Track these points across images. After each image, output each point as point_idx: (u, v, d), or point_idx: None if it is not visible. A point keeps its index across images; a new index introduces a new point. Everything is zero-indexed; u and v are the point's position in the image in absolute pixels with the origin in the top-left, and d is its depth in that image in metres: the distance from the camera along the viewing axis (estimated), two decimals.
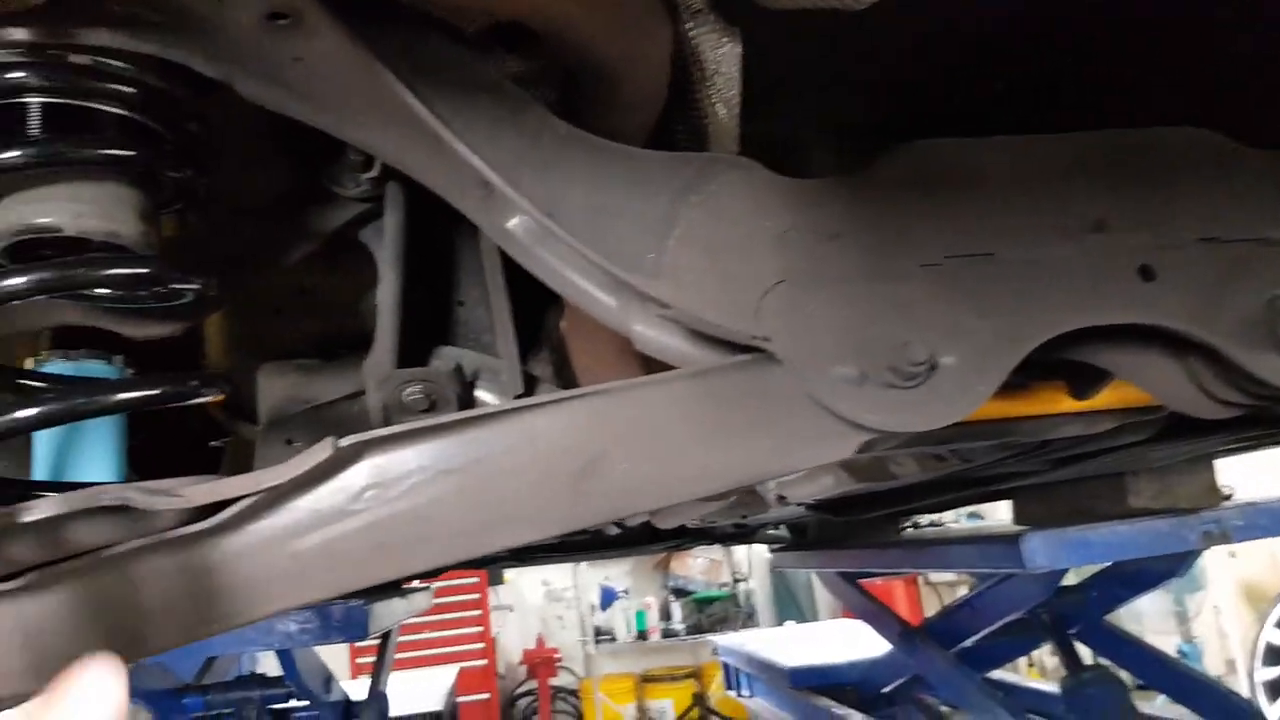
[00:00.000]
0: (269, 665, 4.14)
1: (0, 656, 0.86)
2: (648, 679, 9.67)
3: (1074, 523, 2.52)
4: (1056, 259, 0.93)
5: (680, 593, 9.96)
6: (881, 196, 0.92)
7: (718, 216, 0.90)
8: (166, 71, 0.87)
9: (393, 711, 4.21)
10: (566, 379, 1.35)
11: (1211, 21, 1.11)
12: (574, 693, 9.77)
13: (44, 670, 0.88)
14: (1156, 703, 4.52)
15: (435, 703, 4.73)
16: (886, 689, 4.36)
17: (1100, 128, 0.99)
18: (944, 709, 4.49)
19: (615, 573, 10.00)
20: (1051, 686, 4.04)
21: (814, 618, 9.43)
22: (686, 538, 4.30)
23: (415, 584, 3.93)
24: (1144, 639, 3.95)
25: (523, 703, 9.69)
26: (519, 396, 1.24)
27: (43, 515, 0.77)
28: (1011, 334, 0.91)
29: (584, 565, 9.51)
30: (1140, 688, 4.06)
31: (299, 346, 1.46)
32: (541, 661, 9.54)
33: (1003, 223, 0.94)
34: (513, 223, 1.02)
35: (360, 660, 7.97)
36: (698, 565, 9.93)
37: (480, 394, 1.27)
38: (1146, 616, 7.27)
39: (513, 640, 9.86)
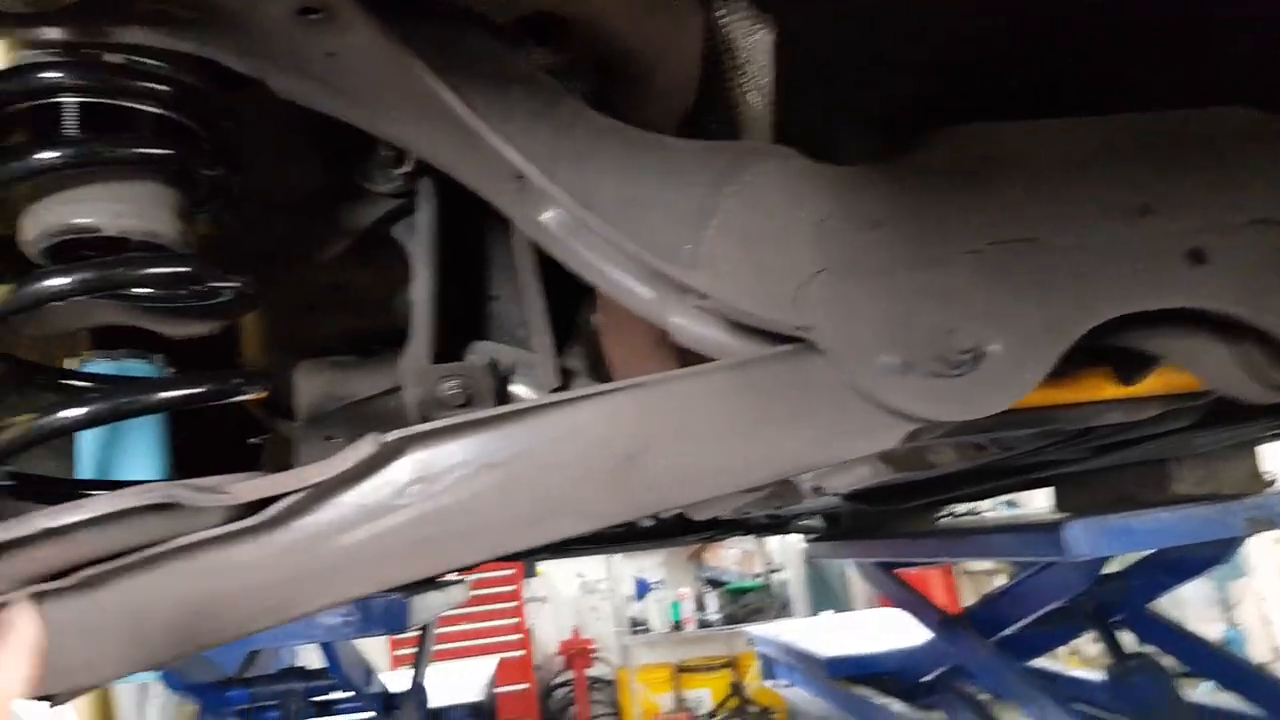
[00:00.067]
0: (309, 658, 4.19)
1: (57, 653, 0.87)
2: (684, 669, 9.68)
3: (1116, 510, 2.48)
4: (1103, 243, 0.91)
5: (714, 584, 9.94)
6: (923, 183, 0.91)
7: (755, 206, 0.89)
8: (200, 68, 0.88)
9: (432, 702, 4.24)
10: (600, 372, 1.35)
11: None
12: (610, 683, 9.80)
13: (99, 666, 0.90)
14: (1200, 690, 4.46)
15: (474, 694, 4.76)
16: (926, 678, 4.32)
17: (1146, 109, 0.97)
18: (983, 698, 4.46)
19: (649, 564, 10.01)
20: (1094, 675, 3.99)
21: (849, 607, 9.38)
22: (720, 529, 4.29)
23: (452, 577, 3.96)
24: (1186, 626, 3.89)
25: (559, 693, 9.72)
26: (554, 390, 1.23)
27: (93, 514, 0.78)
28: (1059, 320, 0.89)
29: (618, 557, 9.52)
30: (1184, 675, 4.00)
31: (334, 343, 1.47)
32: (577, 652, 9.57)
33: (1048, 207, 0.92)
34: (547, 216, 1.01)
35: (399, 653, 8.04)
36: (731, 556, 9.91)
37: (515, 388, 1.26)
38: (1189, 603, 7.16)
39: (548, 632, 9.90)
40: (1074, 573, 2.98)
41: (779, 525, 4.31)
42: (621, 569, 9.88)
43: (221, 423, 1.76)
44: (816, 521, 4.37)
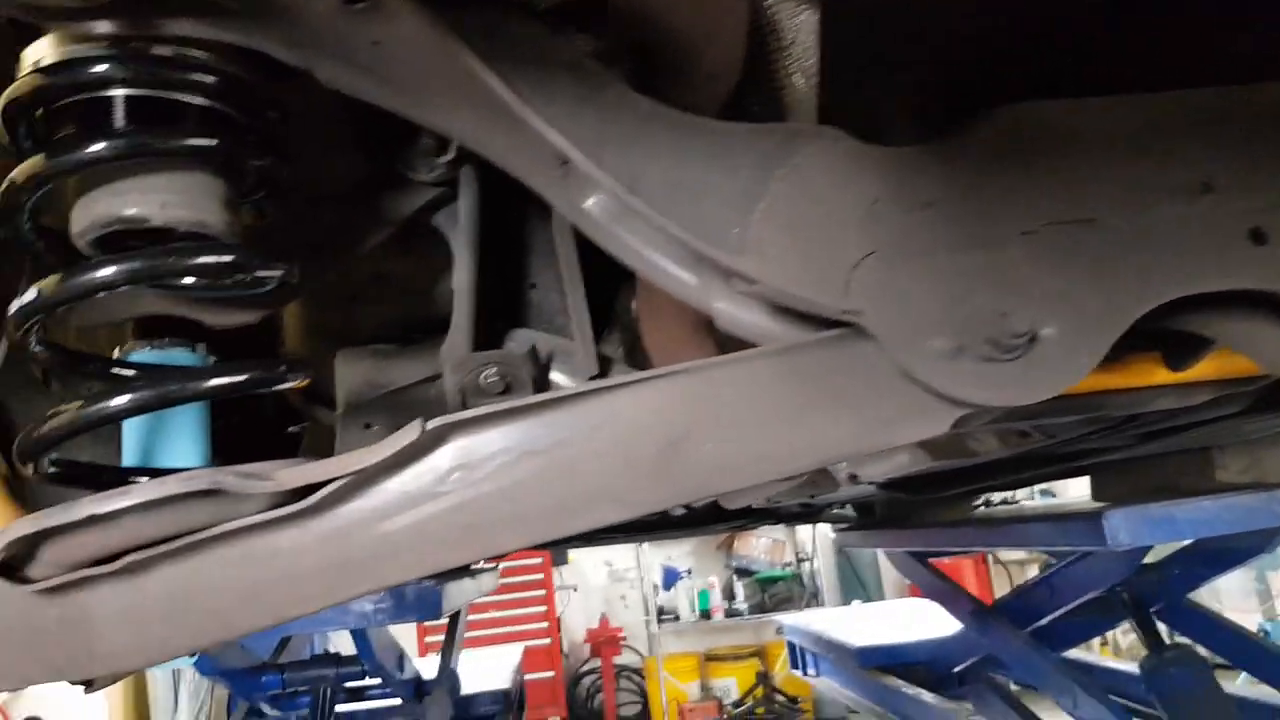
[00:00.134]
0: (340, 644, 4.23)
1: (100, 638, 0.88)
2: (711, 658, 9.70)
3: (1157, 499, 2.44)
4: (1162, 223, 0.89)
5: (743, 573, 9.94)
6: (975, 163, 0.89)
7: (803, 189, 0.88)
8: (246, 60, 0.87)
9: (462, 689, 4.27)
10: (637, 360, 1.34)
11: None
12: (638, 671, 9.84)
13: (141, 652, 0.90)
14: (1238, 681, 4.41)
15: (503, 681, 4.78)
16: (958, 668, 4.30)
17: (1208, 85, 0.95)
18: (1014, 688, 4.42)
19: (678, 553, 10.02)
20: (1129, 666, 3.95)
21: (879, 597, 9.36)
22: (751, 518, 4.28)
23: (483, 564, 3.97)
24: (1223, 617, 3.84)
25: (587, 681, 9.78)
26: (594, 378, 1.23)
27: (139, 500, 0.78)
28: (1115, 303, 0.87)
29: (646, 545, 9.54)
30: (1220, 666, 3.95)
31: (374, 332, 1.47)
32: (605, 640, 9.61)
33: (1104, 187, 0.89)
34: (590, 202, 1.00)
35: (428, 639, 8.12)
36: (761, 545, 9.91)
37: (555, 376, 1.26)
38: (1225, 594, 7.08)
39: (576, 620, 9.95)
40: (1113, 563, 2.95)
41: (811, 514, 4.29)
42: (650, 557, 9.91)
43: (260, 411, 1.77)
44: (848, 510, 4.35)
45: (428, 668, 4.16)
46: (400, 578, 0.89)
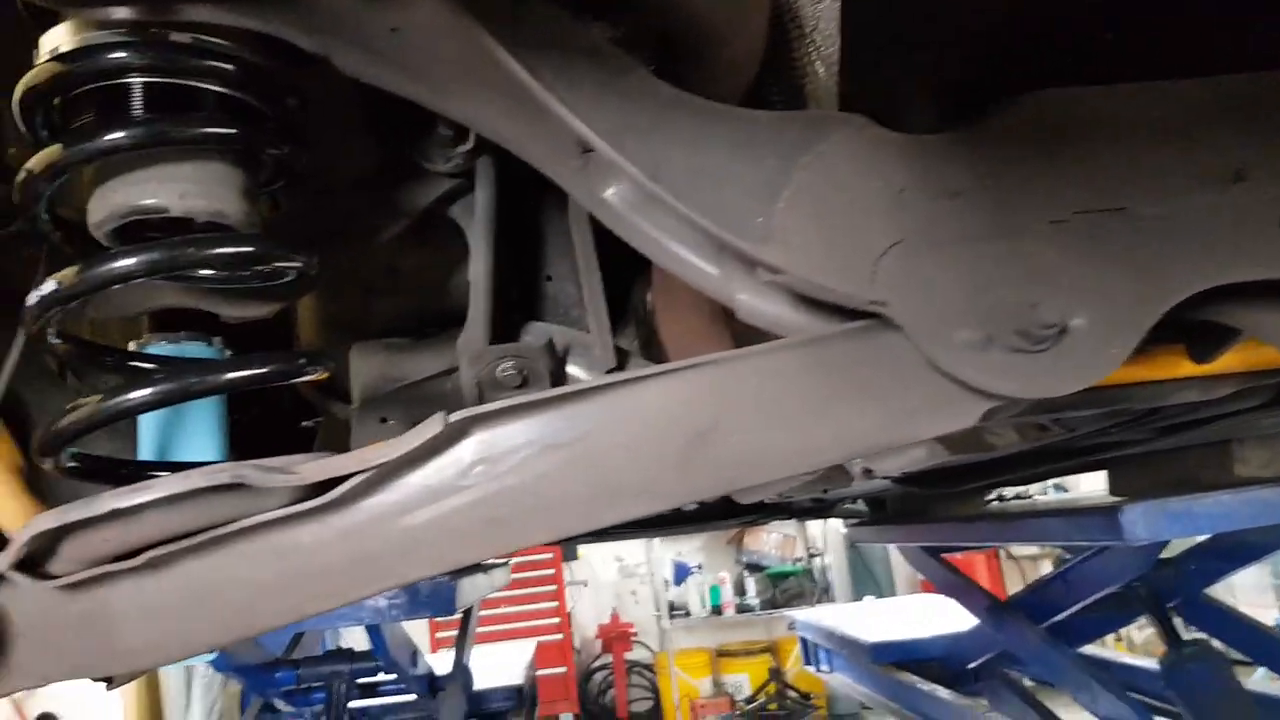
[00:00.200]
0: (353, 639, 4.23)
1: (121, 635, 0.87)
2: (723, 653, 9.70)
3: (1175, 493, 2.42)
4: (1194, 212, 0.88)
5: (754, 568, 9.93)
6: (1003, 151, 0.88)
7: (829, 177, 0.86)
8: (265, 47, 0.86)
9: (475, 685, 4.27)
10: (652, 352, 1.33)
11: None
12: (649, 667, 9.84)
13: (162, 648, 0.90)
14: (1254, 676, 4.38)
15: (515, 676, 4.78)
16: (973, 664, 4.28)
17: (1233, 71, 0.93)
18: (1028, 683, 4.40)
19: (688, 548, 10.02)
20: (1145, 662, 3.93)
21: (891, 592, 9.34)
22: (762, 513, 4.26)
23: (494, 560, 3.97)
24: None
25: (598, 676, 9.78)
26: (610, 371, 1.22)
27: (162, 494, 0.77)
28: (1147, 293, 0.86)
29: (657, 541, 9.54)
30: (1238, 662, 3.92)
31: (388, 325, 1.46)
32: (616, 636, 9.61)
33: (1135, 175, 0.88)
34: (610, 192, 0.99)
35: (440, 635, 8.13)
36: (771, 540, 9.89)
37: (571, 369, 1.25)
38: (1240, 589, 7.04)
39: (587, 615, 9.95)
40: (1131, 558, 2.93)
41: (823, 509, 4.28)
42: (661, 553, 9.90)
43: (274, 405, 1.77)
44: (859, 505, 4.33)
45: (440, 663, 4.16)
46: (422, 573, 0.88)
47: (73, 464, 0.95)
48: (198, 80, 0.84)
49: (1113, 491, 2.83)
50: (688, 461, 0.88)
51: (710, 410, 0.88)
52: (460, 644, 4.09)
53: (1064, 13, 1.04)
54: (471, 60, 0.85)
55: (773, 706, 9.17)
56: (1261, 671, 4.19)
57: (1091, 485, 4.68)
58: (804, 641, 5.87)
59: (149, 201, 0.84)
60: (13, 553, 0.81)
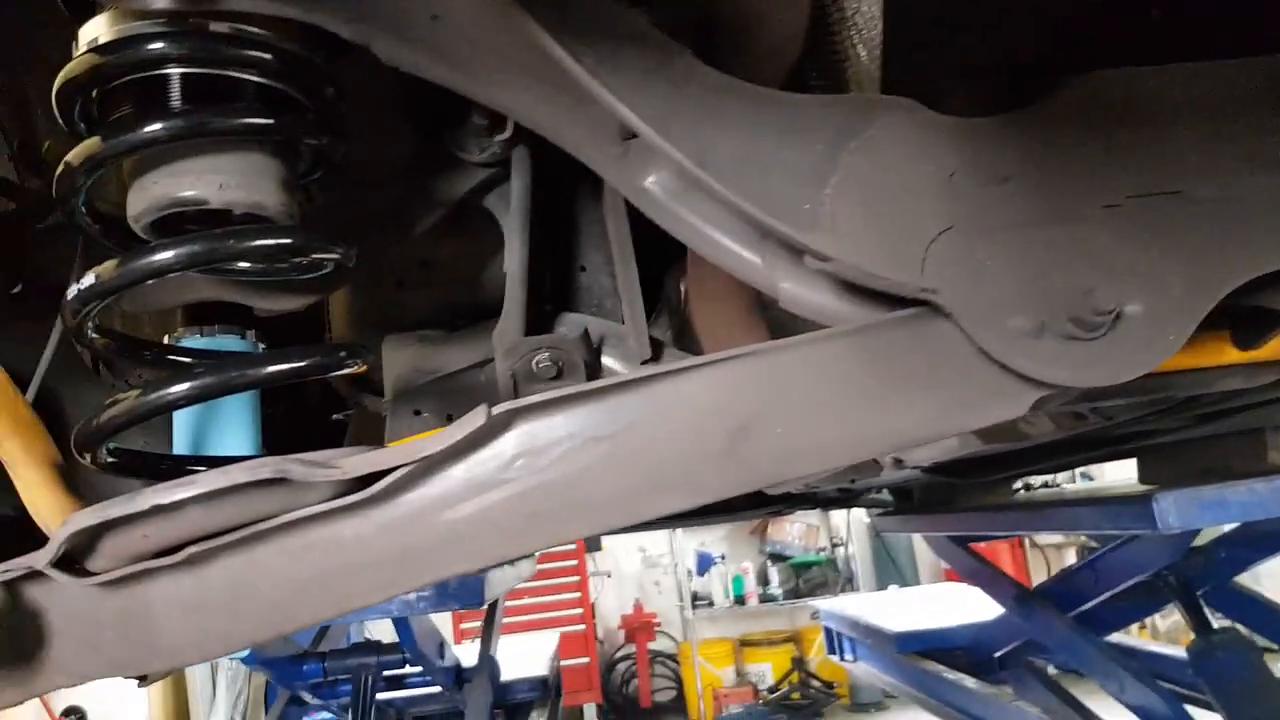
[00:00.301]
0: (378, 631, 4.24)
1: (161, 632, 0.87)
2: (746, 643, 9.69)
3: (1207, 481, 2.39)
4: (1251, 194, 0.85)
5: (777, 558, 9.91)
6: (1055, 134, 0.86)
7: (878, 162, 0.85)
8: (305, 36, 0.85)
9: (501, 676, 4.28)
10: (688, 343, 1.32)
11: None
12: (672, 657, 9.85)
13: (203, 645, 0.89)
14: None
15: (540, 668, 4.78)
16: (998, 653, 4.25)
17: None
18: (1052, 671, 4.37)
19: (711, 538, 10.01)
20: (1172, 649, 3.89)
21: (914, 581, 9.31)
22: (787, 503, 4.24)
23: None
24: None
25: (622, 666, 9.80)
26: (645, 362, 1.21)
27: (205, 489, 0.77)
28: (1203, 278, 0.84)
29: (680, 531, 9.53)
30: (1269, 650, 3.88)
31: (421, 318, 1.46)
32: (640, 626, 9.62)
33: (1190, 157, 0.86)
34: (650, 180, 0.98)
35: (464, 625, 8.15)
36: (795, 530, 9.87)
37: (606, 360, 1.24)
38: (1267, 576, 6.95)
39: (610, 606, 9.96)
40: (1162, 546, 2.89)
41: (849, 499, 4.25)
42: (684, 543, 9.90)
43: (303, 398, 1.77)
44: (884, 495, 4.30)
45: (465, 655, 4.16)
46: (464, 568, 0.87)
47: (111, 459, 0.95)
48: (237, 71, 0.83)
49: (1142, 480, 2.79)
50: (732, 454, 0.87)
51: (754, 402, 0.86)
52: (486, 636, 4.09)
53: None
54: (512, 46, 0.84)
55: (796, 696, 9.16)
56: None
57: (1116, 474, 4.64)
58: (828, 631, 5.85)
59: (188, 193, 0.83)
60: (52, 550, 0.81)
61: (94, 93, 0.84)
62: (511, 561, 3.64)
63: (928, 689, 4.39)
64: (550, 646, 5.49)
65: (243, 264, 0.97)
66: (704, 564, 9.93)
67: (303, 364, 0.91)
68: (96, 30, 0.81)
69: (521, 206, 1.14)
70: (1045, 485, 4.09)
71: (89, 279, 0.83)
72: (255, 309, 1.16)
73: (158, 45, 0.80)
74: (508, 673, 4.41)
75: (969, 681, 4.07)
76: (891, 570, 9.57)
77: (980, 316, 0.82)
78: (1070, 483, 4.75)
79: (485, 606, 3.96)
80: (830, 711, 9.08)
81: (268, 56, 0.83)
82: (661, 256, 1.32)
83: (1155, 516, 2.32)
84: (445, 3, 0.81)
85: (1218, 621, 3.44)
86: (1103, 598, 3.35)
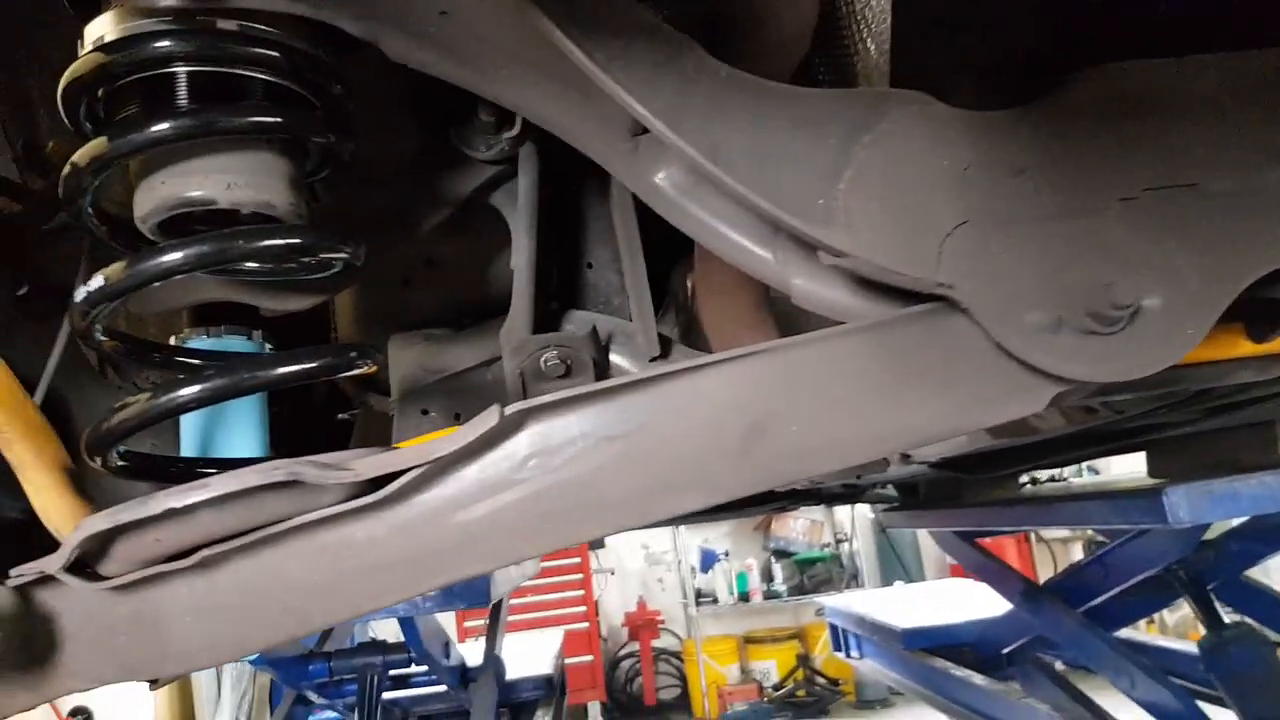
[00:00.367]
0: (382, 631, 4.23)
1: (174, 636, 0.86)
2: (750, 640, 9.68)
3: (1217, 475, 2.38)
4: (1268, 187, 0.84)
5: (781, 554, 9.90)
6: (1070, 126, 0.85)
7: (892, 156, 0.84)
8: (312, 33, 0.84)
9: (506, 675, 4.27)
10: (695, 340, 1.31)
11: None
12: (676, 654, 9.84)
13: (215, 649, 0.88)
14: None
15: (545, 666, 4.77)
16: (1006, 649, 4.24)
17: None
18: (1060, 668, 4.36)
19: (715, 535, 10.00)
20: (1182, 644, 3.88)
21: (919, 577, 9.30)
22: (793, 499, 4.23)
23: None
24: None
25: (626, 664, 9.79)
26: (653, 360, 1.20)
27: (219, 492, 0.76)
28: (1221, 272, 0.83)
29: (683, 528, 9.53)
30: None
31: (426, 317, 1.45)
32: (643, 624, 9.61)
33: (1205, 150, 0.85)
34: (660, 176, 0.97)
35: (468, 624, 8.15)
36: (799, 526, 9.86)
37: (615, 358, 1.23)
38: (1276, 571, 6.95)
39: (614, 603, 9.96)
40: (1172, 540, 2.88)
41: (853, 494, 4.24)
42: (687, 540, 9.88)
43: (307, 399, 1.76)
44: (889, 490, 4.29)
45: (470, 653, 4.16)
46: (477, 569, 0.87)
47: (122, 462, 0.94)
48: (244, 68, 0.83)
49: (1151, 473, 2.78)
50: (746, 453, 0.86)
51: (769, 400, 0.85)
52: (491, 635, 4.08)
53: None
54: (522, 42, 0.83)
55: (801, 693, 9.15)
56: None
57: (1120, 468, 4.62)
58: (834, 627, 5.83)
59: (196, 193, 0.82)
60: (64, 554, 0.80)
61: (100, 92, 0.83)
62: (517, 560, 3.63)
63: (935, 686, 4.37)
64: (555, 645, 5.48)
65: (251, 264, 0.96)
66: (708, 561, 9.92)
67: (314, 365, 0.90)
68: (102, 29, 0.81)
69: (529, 203, 1.13)
70: (1052, 480, 4.07)
71: (98, 281, 0.82)
72: (262, 309, 1.15)
73: (164, 43, 0.79)
74: (513, 671, 4.40)
75: (977, 678, 4.05)
76: (896, 566, 9.56)
77: (997, 311, 0.82)
78: (1076, 477, 4.73)
79: (490, 605, 3.95)
80: (835, 709, 9.07)
81: (275, 54, 0.82)
82: (667, 252, 1.31)
83: (1166, 510, 2.31)
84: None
85: (1229, 616, 3.43)
86: (1112, 593, 3.34)
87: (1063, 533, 8.51)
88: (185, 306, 1.19)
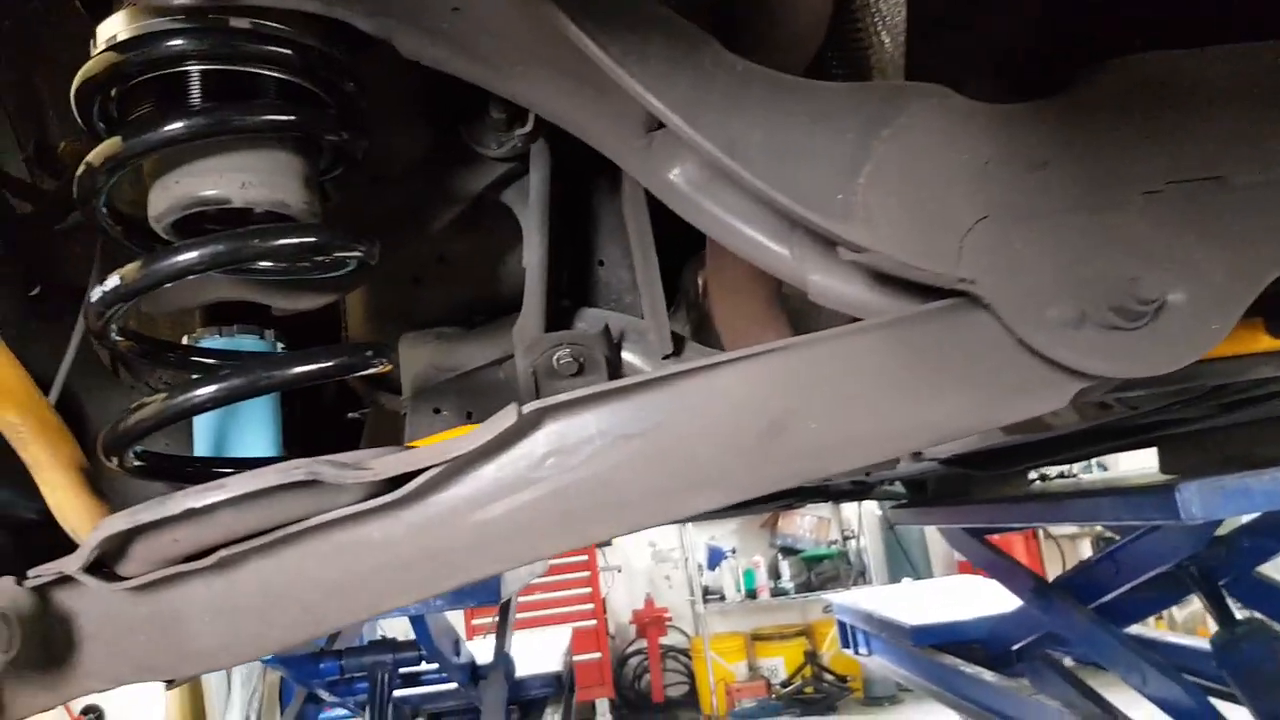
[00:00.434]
0: (392, 628, 4.23)
1: (192, 636, 0.86)
2: (758, 637, 9.68)
3: (1229, 470, 2.36)
4: None
5: (788, 551, 9.90)
6: (1092, 119, 0.84)
7: (911, 150, 0.83)
8: (324, 30, 0.84)
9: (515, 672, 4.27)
10: (707, 337, 1.30)
11: None
12: (684, 651, 9.84)
13: (233, 649, 0.88)
14: None
15: (554, 663, 4.78)
16: (1016, 646, 4.23)
17: None
18: (1070, 664, 4.34)
19: (722, 532, 9.99)
20: (1194, 641, 3.86)
21: (927, 574, 9.28)
22: (799, 496, 4.23)
23: None
24: None
25: (633, 661, 9.80)
26: (667, 357, 1.19)
27: (238, 492, 0.75)
28: (1246, 266, 0.82)
29: (690, 525, 9.52)
30: None
31: (437, 315, 1.44)
32: (651, 621, 9.62)
33: (1230, 142, 0.84)
34: (674, 172, 0.96)
35: (476, 622, 8.15)
36: (805, 523, 9.85)
37: (627, 356, 1.23)
38: None
39: (621, 601, 9.96)
40: (1184, 536, 2.86)
41: (861, 491, 4.23)
42: (694, 537, 9.88)
43: (317, 398, 1.75)
44: (897, 487, 4.28)
45: (479, 651, 4.16)
46: (495, 569, 0.86)
47: (139, 462, 0.94)
48: (258, 66, 0.82)
49: (1163, 469, 2.77)
50: (764, 451, 0.85)
51: (787, 397, 0.85)
52: (501, 632, 4.09)
53: None
54: (536, 37, 0.82)
55: (809, 690, 9.15)
56: None
57: (1130, 463, 4.60)
58: (842, 624, 5.82)
59: (211, 192, 0.82)
60: (83, 555, 0.80)
61: (113, 91, 0.83)
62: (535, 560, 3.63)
63: (945, 682, 4.36)
64: (563, 642, 5.48)
65: (265, 263, 0.96)
66: (715, 558, 9.92)
67: (329, 364, 0.90)
68: (114, 28, 0.80)
69: (541, 201, 1.13)
70: (1061, 476, 4.05)
71: (113, 280, 0.82)
72: (274, 308, 1.15)
73: (177, 42, 0.78)
74: (522, 669, 4.40)
75: (987, 675, 4.03)
76: (904, 563, 9.55)
77: (1019, 306, 0.81)
78: (1086, 473, 4.71)
79: (500, 604, 3.95)
80: (843, 705, 9.07)
81: (288, 51, 0.82)
82: (679, 249, 1.31)
83: (1178, 506, 2.29)
84: None
85: (1241, 612, 3.41)
86: (1123, 589, 3.32)
87: (1071, 529, 8.48)
88: (197, 306, 1.19)
